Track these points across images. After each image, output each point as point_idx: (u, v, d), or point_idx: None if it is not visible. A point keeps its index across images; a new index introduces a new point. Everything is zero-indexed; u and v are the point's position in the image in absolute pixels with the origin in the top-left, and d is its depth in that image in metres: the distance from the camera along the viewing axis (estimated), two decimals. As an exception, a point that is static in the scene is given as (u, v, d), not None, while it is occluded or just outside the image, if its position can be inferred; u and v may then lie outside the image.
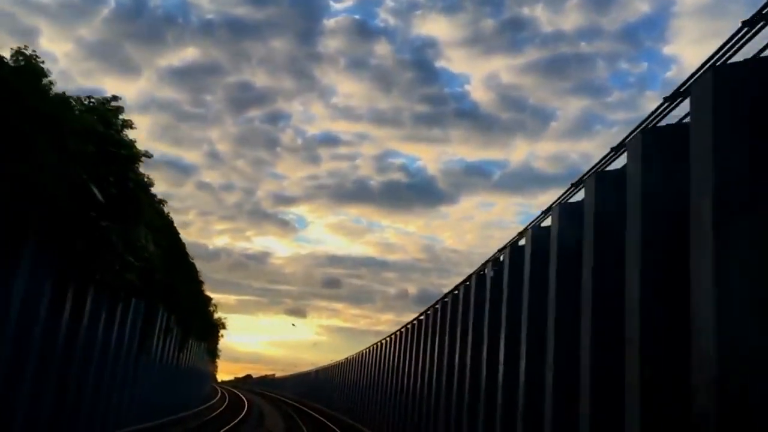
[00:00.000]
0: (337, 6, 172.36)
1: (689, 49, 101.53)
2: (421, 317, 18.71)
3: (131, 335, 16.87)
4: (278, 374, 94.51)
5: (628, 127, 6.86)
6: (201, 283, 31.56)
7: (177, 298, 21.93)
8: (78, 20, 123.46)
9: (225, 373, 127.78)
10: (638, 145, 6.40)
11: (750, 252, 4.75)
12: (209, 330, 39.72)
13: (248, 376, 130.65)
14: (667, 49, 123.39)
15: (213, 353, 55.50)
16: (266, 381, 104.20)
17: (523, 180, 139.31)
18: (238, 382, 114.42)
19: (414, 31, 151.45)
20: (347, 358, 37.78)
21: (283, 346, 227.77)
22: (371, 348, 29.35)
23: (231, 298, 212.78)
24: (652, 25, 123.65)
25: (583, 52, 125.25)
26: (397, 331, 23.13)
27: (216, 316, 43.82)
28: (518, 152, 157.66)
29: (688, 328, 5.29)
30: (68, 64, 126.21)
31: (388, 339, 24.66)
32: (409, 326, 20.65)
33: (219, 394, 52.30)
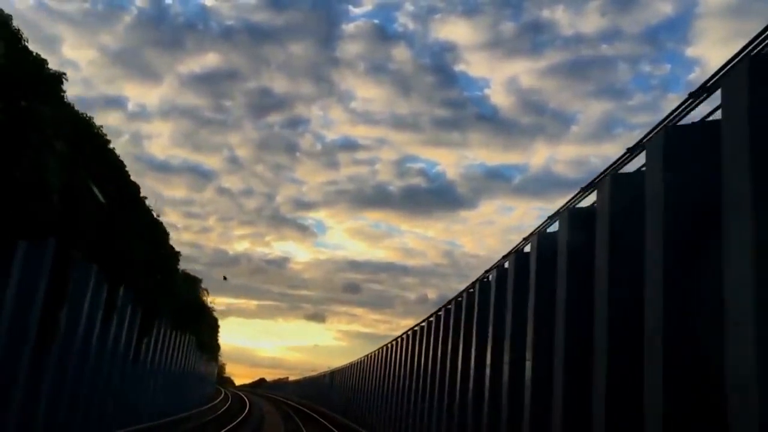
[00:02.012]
0: (356, 11, 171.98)
1: (713, 51, 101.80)
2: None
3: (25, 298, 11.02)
4: (291, 378, 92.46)
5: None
6: (176, 254, 24.79)
7: (125, 258, 16.03)
8: (100, 28, 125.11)
9: (245, 377, 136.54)
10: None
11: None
12: (195, 317, 31.46)
13: (262, 380, 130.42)
14: (690, 51, 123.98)
15: (208, 350, 46.07)
16: (279, 385, 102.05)
17: (543, 184, 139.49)
18: (250, 387, 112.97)
19: (433, 35, 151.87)
20: (350, 363, 37.47)
21: (302, 350, 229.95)
22: (374, 353, 29.48)
23: (251, 303, 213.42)
24: (675, 26, 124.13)
25: (605, 55, 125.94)
26: (399, 336, 23.20)
27: (209, 302, 38.54)
28: (538, 156, 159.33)
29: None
30: (91, 72, 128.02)
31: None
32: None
33: (221, 396, 48.67)
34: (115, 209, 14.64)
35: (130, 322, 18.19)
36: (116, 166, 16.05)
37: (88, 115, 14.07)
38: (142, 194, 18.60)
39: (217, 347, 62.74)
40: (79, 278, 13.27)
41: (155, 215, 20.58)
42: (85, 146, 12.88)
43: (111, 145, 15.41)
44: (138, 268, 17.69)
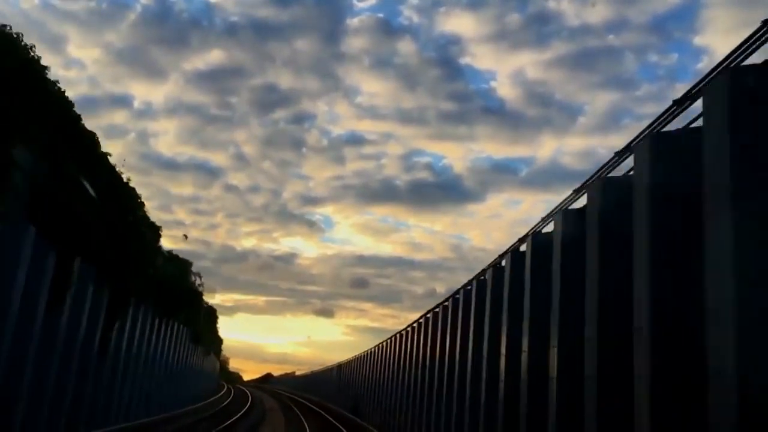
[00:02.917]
0: (361, 5, 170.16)
1: (720, 39, 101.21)
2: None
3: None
4: (298, 372, 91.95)
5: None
6: (156, 229, 21.79)
7: (75, 220, 12.72)
8: (105, 26, 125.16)
9: (254, 373, 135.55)
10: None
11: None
12: (184, 304, 26.76)
13: (269, 375, 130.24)
14: (698, 40, 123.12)
15: (205, 342, 40.65)
16: (284, 380, 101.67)
17: (550, 176, 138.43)
18: (257, 382, 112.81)
19: (438, 29, 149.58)
20: (358, 355, 35.17)
21: (311, 346, 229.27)
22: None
23: (260, 299, 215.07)
24: (682, 15, 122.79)
25: (611, 45, 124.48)
26: (394, 334, 23.42)
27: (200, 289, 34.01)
28: (545, 148, 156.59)
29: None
30: (97, 70, 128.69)
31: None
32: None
33: (220, 393, 44.49)
34: (56, 153, 11.77)
35: (93, 306, 14.50)
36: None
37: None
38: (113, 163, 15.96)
39: (218, 340, 59.40)
40: (8, 240, 10.31)
41: (125, 179, 17.41)
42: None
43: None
44: (98, 237, 13.97)
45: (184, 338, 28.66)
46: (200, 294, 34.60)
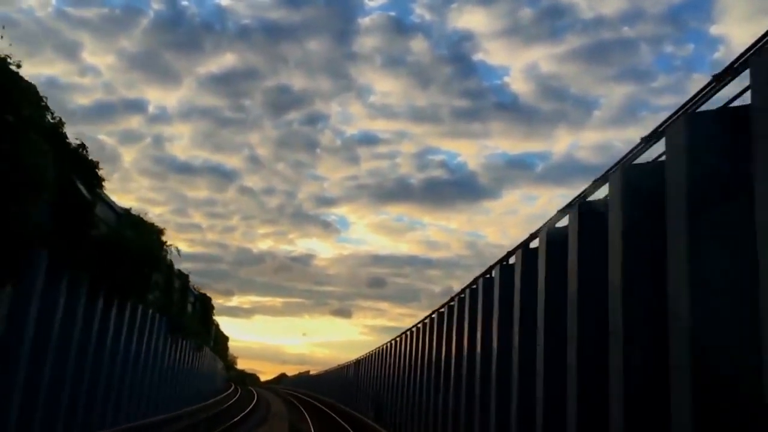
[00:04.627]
0: (372, 4, 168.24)
1: (737, 28, 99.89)
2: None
3: None
4: (312, 372, 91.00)
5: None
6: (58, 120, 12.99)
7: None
8: (119, 32, 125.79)
9: (271, 374, 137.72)
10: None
11: None
12: (145, 276, 18.19)
13: (283, 375, 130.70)
14: (714, 29, 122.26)
15: (194, 335, 30.57)
16: (299, 380, 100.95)
17: (566, 171, 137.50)
18: (271, 383, 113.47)
19: (450, 25, 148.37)
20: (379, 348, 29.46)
21: (329, 346, 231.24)
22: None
23: (277, 301, 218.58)
24: (697, 4, 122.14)
25: (626, 37, 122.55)
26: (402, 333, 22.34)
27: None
28: (561, 143, 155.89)
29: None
30: (111, 76, 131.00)
31: (401, 336, 23.30)
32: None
33: (218, 397, 36.33)
34: None
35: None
36: None
37: None
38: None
39: (220, 336, 52.43)
40: None
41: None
42: None
43: None
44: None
45: (159, 329, 21.83)
46: (187, 278, 28.65)
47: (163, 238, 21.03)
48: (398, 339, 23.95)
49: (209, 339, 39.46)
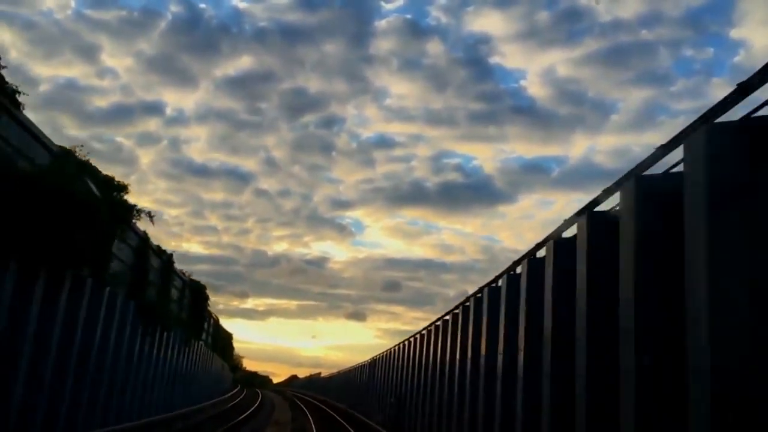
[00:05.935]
0: (388, 6, 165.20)
1: (758, 32, 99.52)
2: (430, 327, 18.00)
3: None
4: (323, 374, 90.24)
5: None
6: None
7: None
8: (137, 34, 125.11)
9: (284, 376, 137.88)
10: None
11: None
12: (100, 242, 14.25)
13: (294, 377, 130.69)
14: (734, 33, 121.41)
15: (181, 326, 26.56)
16: (309, 382, 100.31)
17: (583, 176, 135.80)
18: (279, 386, 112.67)
19: (467, 28, 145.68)
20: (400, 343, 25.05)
21: (343, 349, 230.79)
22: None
23: (292, 304, 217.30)
24: (717, 8, 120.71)
25: (644, 41, 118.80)
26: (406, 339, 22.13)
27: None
28: (577, 147, 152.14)
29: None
30: (129, 78, 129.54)
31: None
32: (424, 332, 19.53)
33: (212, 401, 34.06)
34: None
35: None
36: None
37: None
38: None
39: (221, 332, 47.66)
40: None
41: None
42: None
43: None
44: None
45: (119, 311, 16.95)
46: (170, 257, 23.77)
47: (131, 200, 16.71)
48: (426, 331, 19.65)
49: (201, 332, 33.99)
